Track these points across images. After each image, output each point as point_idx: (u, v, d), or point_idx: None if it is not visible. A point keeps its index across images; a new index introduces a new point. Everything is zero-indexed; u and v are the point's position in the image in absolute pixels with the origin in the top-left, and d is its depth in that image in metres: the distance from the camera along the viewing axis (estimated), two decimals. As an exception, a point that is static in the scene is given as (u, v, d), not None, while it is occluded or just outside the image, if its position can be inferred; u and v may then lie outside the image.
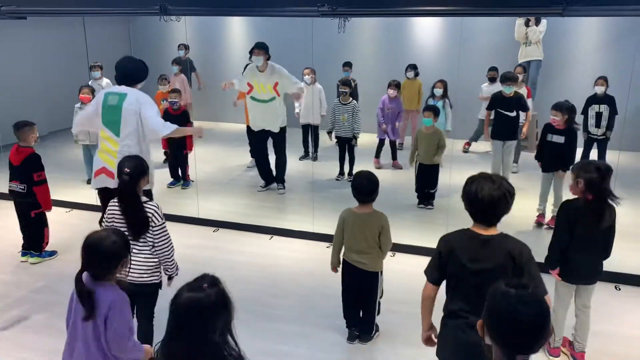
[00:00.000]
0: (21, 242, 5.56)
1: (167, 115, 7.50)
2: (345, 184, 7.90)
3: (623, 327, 4.40)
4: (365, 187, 3.89)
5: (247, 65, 7.81)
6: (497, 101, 7.19)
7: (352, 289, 4.13)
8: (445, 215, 6.14)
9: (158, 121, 4.70)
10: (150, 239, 3.48)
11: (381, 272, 4.07)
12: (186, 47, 10.30)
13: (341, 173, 8.14)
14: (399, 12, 5.66)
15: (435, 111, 6.71)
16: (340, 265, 4.15)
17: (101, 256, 2.62)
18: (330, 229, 6.06)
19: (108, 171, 4.60)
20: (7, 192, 5.46)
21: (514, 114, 7.11)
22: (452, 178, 6.97)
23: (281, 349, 4.10)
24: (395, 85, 8.36)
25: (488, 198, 2.55)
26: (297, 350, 4.10)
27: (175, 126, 4.75)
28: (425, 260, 2.87)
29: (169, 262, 3.57)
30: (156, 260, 3.56)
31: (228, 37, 11.96)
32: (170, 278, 3.64)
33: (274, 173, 7.56)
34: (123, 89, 4.66)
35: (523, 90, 8.09)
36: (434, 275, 2.80)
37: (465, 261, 2.63)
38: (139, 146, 4.63)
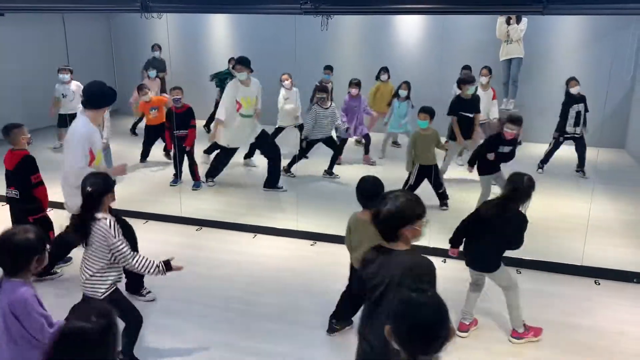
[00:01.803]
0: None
1: (171, 114, 7.36)
2: (328, 180, 7.92)
3: (602, 321, 4.46)
4: (368, 192, 3.82)
5: (216, 73, 7.85)
6: (459, 105, 7.30)
7: (356, 294, 4.04)
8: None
9: (73, 163, 4.47)
10: (102, 251, 3.44)
11: None
12: (160, 47, 10.28)
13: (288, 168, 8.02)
14: (381, 10, 5.67)
15: (430, 113, 6.50)
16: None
17: (11, 251, 2.63)
18: (313, 226, 6.11)
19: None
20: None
21: (472, 115, 7.29)
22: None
23: (265, 347, 4.09)
24: (356, 83, 8.41)
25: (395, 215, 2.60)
26: (280, 348, 4.09)
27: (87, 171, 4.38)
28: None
29: (145, 271, 3.49)
30: (94, 276, 3.47)
31: (210, 34, 11.88)
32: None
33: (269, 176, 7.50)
34: (79, 114, 4.54)
35: (489, 92, 8.31)
36: None
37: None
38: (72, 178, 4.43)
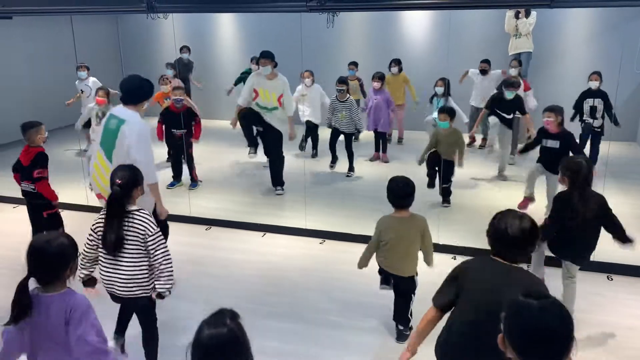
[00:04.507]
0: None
1: (170, 114, 7.37)
2: (337, 178, 7.91)
3: (615, 316, 4.42)
4: (401, 191, 3.87)
5: (244, 72, 7.80)
6: (495, 103, 7.33)
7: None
8: (460, 211, 6.14)
9: (150, 169, 4.32)
10: (137, 252, 3.30)
11: (416, 274, 4.03)
12: (189, 49, 10.26)
13: (333, 161, 8.16)
14: (388, 6, 5.64)
15: (450, 113, 6.52)
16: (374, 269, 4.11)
17: (47, 260, 2.47)
18: (322, 225, 6.11)
19: (103, 197, 4.37)
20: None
21: (511, 116, 7.23)
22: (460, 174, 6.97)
23: (273, 346, 4.10)
24: (379, 77, 8.40)
25: (517, 235, 2.50)
26: (289, 346, 4.10)
27: (155, 180, 4.45)
28: (443, 258, 2.76)
29: (165, 275, 3.33)
30: (145, 274, 3.37)
31: (217, 34, 11.90)
32: (160, 296, 3.39)
33: (268, 175, 7.47)
34: (123, 113, 4.36)
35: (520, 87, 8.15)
36: (442, 300, 2.70)
37: (484, 288, 2.52)
38: None
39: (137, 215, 3.30)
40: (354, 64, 9.49)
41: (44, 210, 5.28)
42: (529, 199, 6.19)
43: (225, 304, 2.09)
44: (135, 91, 4.45)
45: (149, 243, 3.28)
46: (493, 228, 2.60)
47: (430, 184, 6.74)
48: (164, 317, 4.14)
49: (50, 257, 2.48)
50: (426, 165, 6.73)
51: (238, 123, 7.22)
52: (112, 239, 3.25)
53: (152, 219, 3.34)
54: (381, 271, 4.15)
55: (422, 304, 4.21)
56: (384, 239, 3.96)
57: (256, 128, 7.29)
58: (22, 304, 2.45)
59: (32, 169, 5.16)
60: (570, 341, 1.70)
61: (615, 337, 4.14)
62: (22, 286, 2.47)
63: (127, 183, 3.29)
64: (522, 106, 7.35)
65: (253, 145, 7.45)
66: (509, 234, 2.51)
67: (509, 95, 7.17)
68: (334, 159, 8.18)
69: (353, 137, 8.10)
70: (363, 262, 4.13)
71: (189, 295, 4.73)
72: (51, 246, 2.48)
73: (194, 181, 7.63)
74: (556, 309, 1.74)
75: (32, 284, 2.51)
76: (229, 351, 1.94)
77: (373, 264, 4.15)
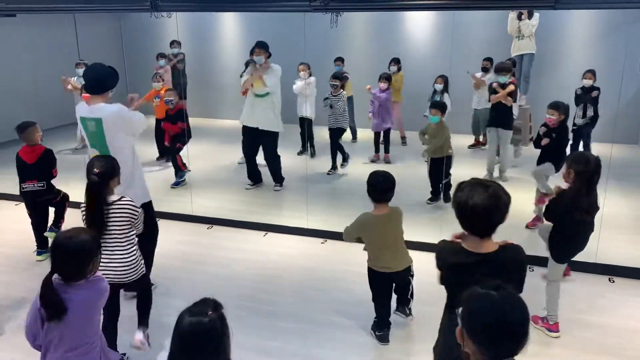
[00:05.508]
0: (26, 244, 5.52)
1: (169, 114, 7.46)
2: (338, 178, 7.91)
3: (617, 319, 4.41)
4: (382, 185, 3.87)
5: (247, 61, 7.85)
6: (493, 90, 7.42)
7: (388, 293, 4.10)
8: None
9: (139, 118, 4.44)
10: (132, 237, 3.54)
11: (411, 261, 4.06)
12: (179, 44, 10.31)
13: (333, 167, 8.14)
14: (391, 6, 5.63)
15: (441, 107, 6.58)
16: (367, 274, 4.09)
17: (71, 256, 2.53)
18: (323, 224, 6.11)
19: None
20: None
21: (508, 103, 7.25)
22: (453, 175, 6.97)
23: (276, 345, 4.09)
24: (386, 78, 8.43)
25: (480, 207, 2.30)
26: (291, 346, 4.09)
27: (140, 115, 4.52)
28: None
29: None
30: (139, 255, 3.63)
31: (220, 33, 11.91)
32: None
33: (269, 173, 7.49)
34: (93, 112, 4.20)
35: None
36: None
37: (461, 278, 2.38)
38: (131, 160, 4.35)
39: (121, 203, 3.45)
40: (340, 60, 9.50)
41: (50, 203, 5.36)
42: (547, 195, 5.91)
43: (227, 303, 2.10)
44: (101, 80, 4.33)
45: (140, 221, 3.57)
46: (455, 201, 2.44)
47: (434, 198, 6.78)
48: (164, 317, 4.14)
49: (73, 253, 2.53)
50: (429, 177, 6.77)
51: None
52: (96, 222, 3.36)
53: (134, 203, 3.53)
54: (376, 313, 4.15)
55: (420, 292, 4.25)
56: (367, 239, 3.98)
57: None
58: (54, 302, 2.49)
59: (46, 168, 5.21)
60: (528, 330, 1.74)
61: (616, 339, 4.13)
62: (47, 284, 2.51)
63: (104, 173, 3.37)
64: (513, 94, 7.41)
65: (253, 181, 7.54)
66: (470, 206, 2.33)
67: (502, 79, 7.28)
68: (334, 166, 8.12)
69: (342, 134, 8.11)
70: (352, 239, 4.13)
71: (190, 294, 4.71)
72: (73, 242, 2.54)
73: (181, 170, 7.54)
74: (515, 300, 1.76)
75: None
76: (208, 341, 1.95)
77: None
